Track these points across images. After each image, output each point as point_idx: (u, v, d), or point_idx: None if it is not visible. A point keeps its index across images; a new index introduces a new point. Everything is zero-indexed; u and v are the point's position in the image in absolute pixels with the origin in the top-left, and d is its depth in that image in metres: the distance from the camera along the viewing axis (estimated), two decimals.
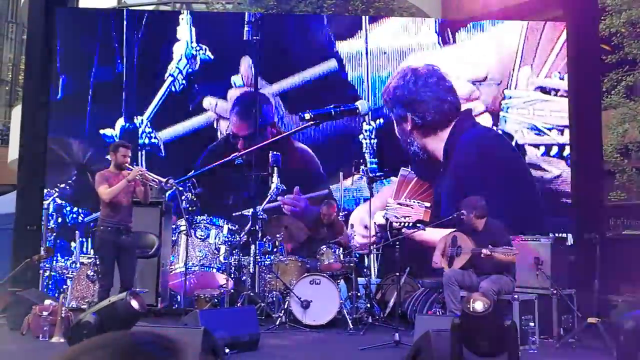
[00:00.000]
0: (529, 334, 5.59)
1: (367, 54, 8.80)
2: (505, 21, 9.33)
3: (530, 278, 6.38)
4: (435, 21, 9.43)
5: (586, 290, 6.43)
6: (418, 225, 7.65)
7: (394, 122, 8.67)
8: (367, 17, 9.48)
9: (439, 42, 8.87)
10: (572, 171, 8.25)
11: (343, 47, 8.80)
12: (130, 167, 6.09)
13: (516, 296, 5.81)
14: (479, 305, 4.02)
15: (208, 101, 8.77)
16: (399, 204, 8.44)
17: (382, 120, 8.71)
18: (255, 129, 8.58)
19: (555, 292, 6.21)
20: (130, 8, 14.53)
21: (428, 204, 8.43)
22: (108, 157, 6.29)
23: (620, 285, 7.93)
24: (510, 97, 8.75)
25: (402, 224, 8.32)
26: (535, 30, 8.80)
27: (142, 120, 8.73)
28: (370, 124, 8.70)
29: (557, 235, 7.82)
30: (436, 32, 8.88)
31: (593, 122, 8.11)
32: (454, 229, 6.32)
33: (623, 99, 11.47)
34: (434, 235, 7.16)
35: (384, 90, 8.73)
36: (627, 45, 11.31)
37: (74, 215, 8.50)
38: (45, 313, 5.89)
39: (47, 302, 6.12)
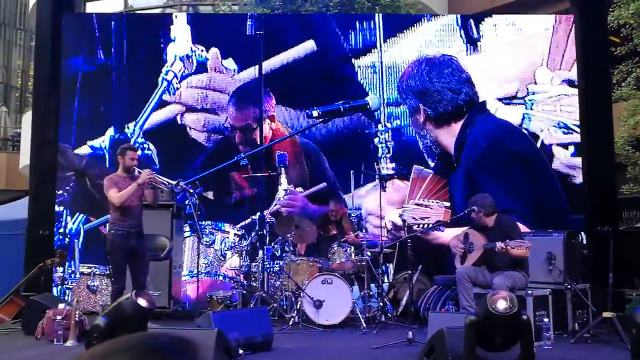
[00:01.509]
0: (543, 330, 5.54)
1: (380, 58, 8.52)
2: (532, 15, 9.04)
3: (544, 273, 6.34)
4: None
5: (600, 284, 6.38)
6: (439, 227, 7.44)
7: (408, 113, 8.40)
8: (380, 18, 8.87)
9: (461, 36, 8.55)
10: (583, 164, 8.14)
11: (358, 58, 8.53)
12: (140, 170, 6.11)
13: (530, 292, 5.77)
14: (501, 304, 3.98)
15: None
16: (416, 204, 8.15)
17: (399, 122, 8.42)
18: (255, 122, 8.34)
19: (569, 287, 6.17)
20: (136, 12, 14.49)
21: (448, 204, 8.13)
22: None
23: (634, 279, 7.88)
24: (534, 93, 8.35)
25: (421, 225, 8.00)
26: (565, 24, 8.40)
27: (133, 129, 8.38)
28: (385, 126, 8.39)
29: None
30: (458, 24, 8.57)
31: (604, 115, 8.04)
32: (466, 228, 6.29)
33: (634, 90, 11.39)
34: (448, 235, 7.03)
35: (398, 80, 8.46)
36: (637, 37, 11.21)
37: (60, 237, 8.18)
38: (59, 317, 5.91)
39: (61, 306, 6.14)
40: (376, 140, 8.40)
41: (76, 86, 8.50)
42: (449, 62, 8.44)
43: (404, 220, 7.97)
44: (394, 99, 8.47)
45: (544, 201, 8.14)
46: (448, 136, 8.30)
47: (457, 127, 8.28)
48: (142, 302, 4.34)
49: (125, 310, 4.32)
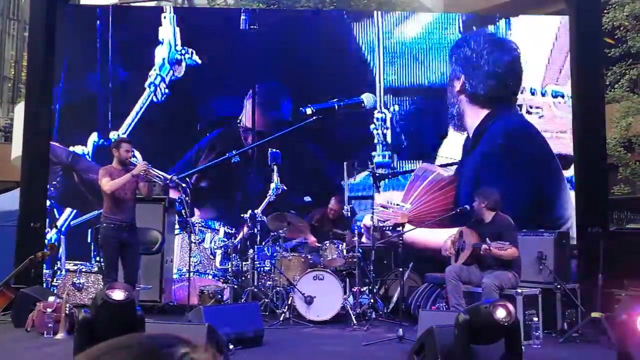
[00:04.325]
0: (532, 329, 5.58)
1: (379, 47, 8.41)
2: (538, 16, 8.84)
3: (534, 273, 6.37)
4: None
5: (590, 284, 6.42)
6: (398, 229, 7.13)
7: (449, 76, 8.30)
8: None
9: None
10: (575, 165, 8.16)
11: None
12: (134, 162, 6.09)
13: (520, 291, 5.80)
14: (501, 313, 4.00)
15: None
16: (381, 206, 8.05)
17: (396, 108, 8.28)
18: (274, 125, 8.18)
19: (559, 286, 6.21)
20: (128, 4, 14.32)
21: (409, 206, 8.02)
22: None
23: (624, 280, 7.92)
24: (521, 105, 8.30)
25: (384, 227, 7.81)
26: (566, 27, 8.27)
27: (118, 135, 8.09)
28: (382, 112, 8.24)
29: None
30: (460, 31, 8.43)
31: (596, 116, 8.07)
32: (462, 226, 6.31)
33: (627, 92, 11.46)
34: (426, 235, 7.10)
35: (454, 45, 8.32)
36: (631, 39, 11.28)
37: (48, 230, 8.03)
38: (49, 310, 5.90)
39: (51, 298, 6.13)
40: (371, 126, 8.25)
41: (59, 86, 8.31)
42: (509, 49, 8.29)
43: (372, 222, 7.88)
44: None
45: (548, 207, 8.07)
46: (473, 118, 8.21)
47: (483, 113, 8.19)
48: (116, 294, 4.18)
49: (97, 302, 4.23)
